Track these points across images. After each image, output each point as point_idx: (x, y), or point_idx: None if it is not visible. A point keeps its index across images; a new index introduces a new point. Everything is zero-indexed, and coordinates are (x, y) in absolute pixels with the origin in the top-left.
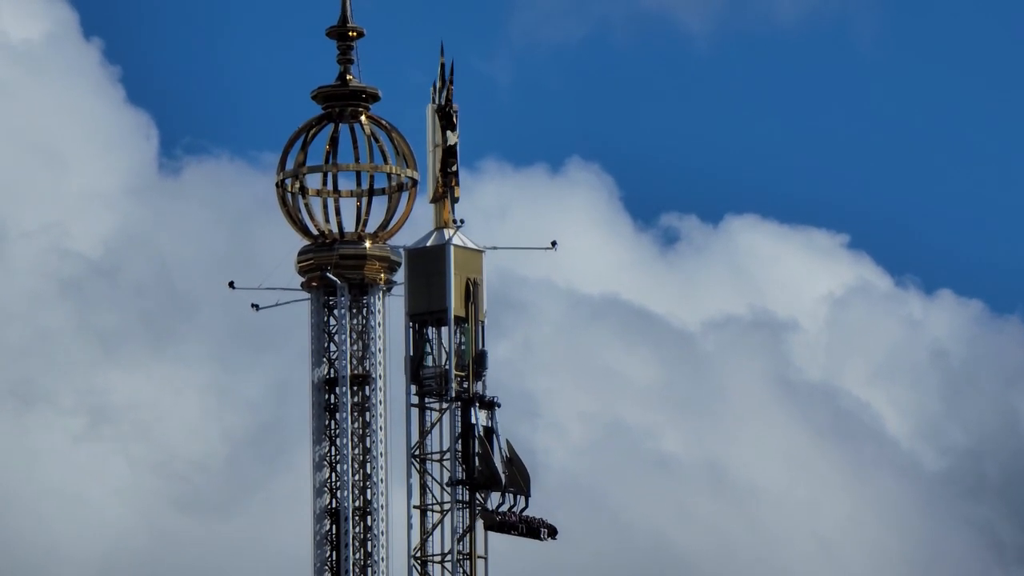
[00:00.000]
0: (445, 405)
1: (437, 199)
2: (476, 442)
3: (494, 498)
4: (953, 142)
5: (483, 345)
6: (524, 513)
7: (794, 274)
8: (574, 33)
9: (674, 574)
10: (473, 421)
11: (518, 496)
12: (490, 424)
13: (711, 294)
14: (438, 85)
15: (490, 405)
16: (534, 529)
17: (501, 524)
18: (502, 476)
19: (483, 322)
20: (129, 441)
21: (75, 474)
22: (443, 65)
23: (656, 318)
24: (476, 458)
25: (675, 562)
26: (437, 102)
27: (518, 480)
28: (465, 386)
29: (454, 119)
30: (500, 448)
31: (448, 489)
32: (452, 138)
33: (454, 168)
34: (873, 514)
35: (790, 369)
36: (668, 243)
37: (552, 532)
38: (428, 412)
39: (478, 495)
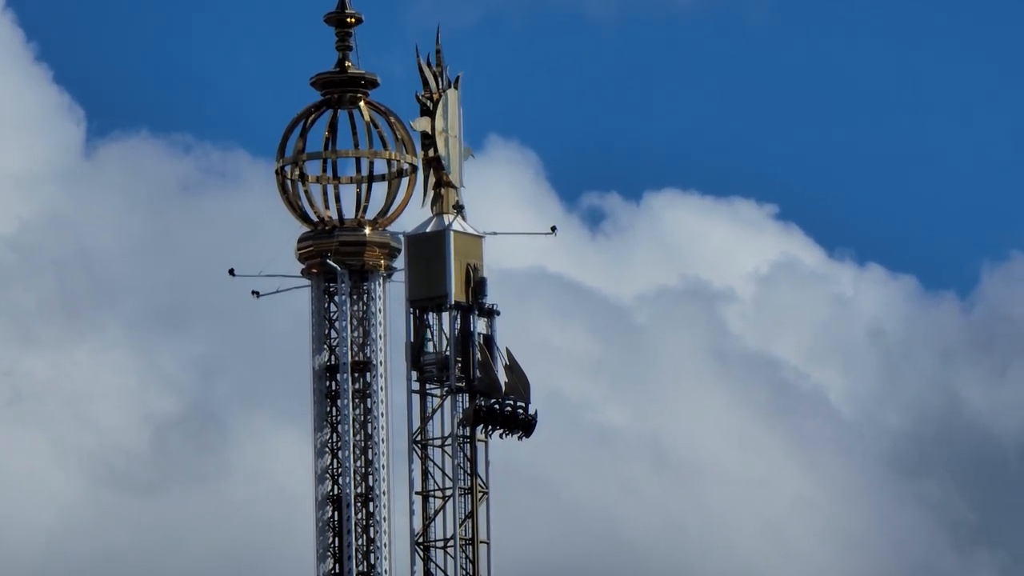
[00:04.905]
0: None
1: (433, 185)
2: (476, 350)
3: None
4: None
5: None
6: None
7: (723, 247)
8: (469, 17)
9: (621, 553)
10: (472, 328)
11: (518, 403)
12: (489, 332)
13: (643, 269)
14: (435, 71)
15: (489, 313)
16: (514, 419)
17: (488, 411)
18: (502, 384)
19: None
20: (51, 421)
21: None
22: (439, 51)
23: (588, 291)
24: (476, 366)
25: (621, 540)
26: (441, 87)
27: (518, 387)
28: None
29: (429, 105)
30: (500, 356)
31: (450, 475)
32: (421, 124)
33: (432, 154)
34: (821, 490)
35: (728, 339)
36: (594, 223)
37: (527, 431)
38: (429, 398)
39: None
